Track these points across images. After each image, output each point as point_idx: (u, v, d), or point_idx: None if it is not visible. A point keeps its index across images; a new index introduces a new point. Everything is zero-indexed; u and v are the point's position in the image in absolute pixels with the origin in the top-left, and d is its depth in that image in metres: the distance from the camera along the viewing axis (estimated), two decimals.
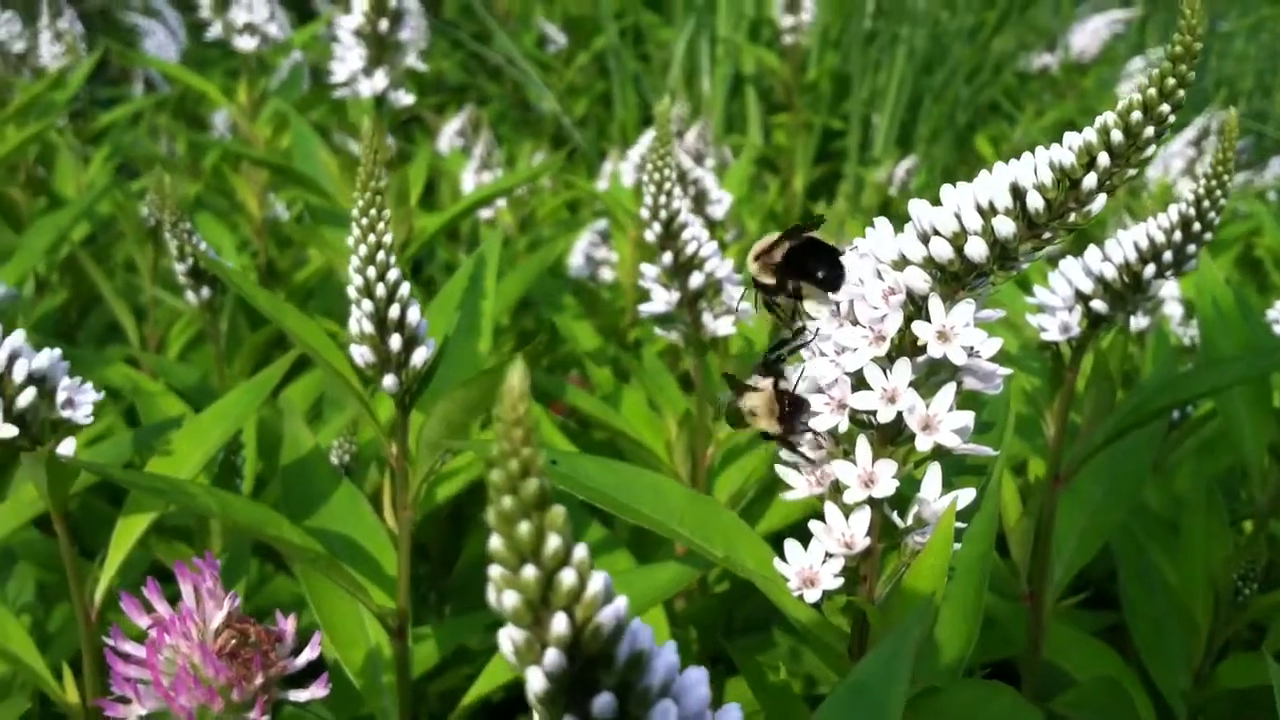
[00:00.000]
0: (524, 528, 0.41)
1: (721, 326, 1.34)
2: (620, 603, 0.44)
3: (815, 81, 3.54)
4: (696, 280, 1.30)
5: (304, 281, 2.28)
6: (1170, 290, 1.92)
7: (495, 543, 0.42)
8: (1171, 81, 0.71)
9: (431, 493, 1.39)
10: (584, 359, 1.90)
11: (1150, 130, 0.71)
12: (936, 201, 0.78)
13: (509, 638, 0.43)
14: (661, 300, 1.33)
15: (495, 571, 0.42)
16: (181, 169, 2.59)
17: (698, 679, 0.48)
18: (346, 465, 1.40)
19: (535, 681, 0.43)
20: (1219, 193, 1.08)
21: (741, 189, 2.58)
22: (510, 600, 0.42)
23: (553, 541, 0.41)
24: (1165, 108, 0.71)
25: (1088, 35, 3.79)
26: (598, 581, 0.43)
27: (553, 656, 0.42)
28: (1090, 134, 0.72)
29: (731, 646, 1.42)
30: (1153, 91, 0.71)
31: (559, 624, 0.42)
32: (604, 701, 0.43)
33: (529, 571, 0.42)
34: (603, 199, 2.29)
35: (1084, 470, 1.25)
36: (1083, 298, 1.14)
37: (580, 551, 0.42)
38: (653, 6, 4.36)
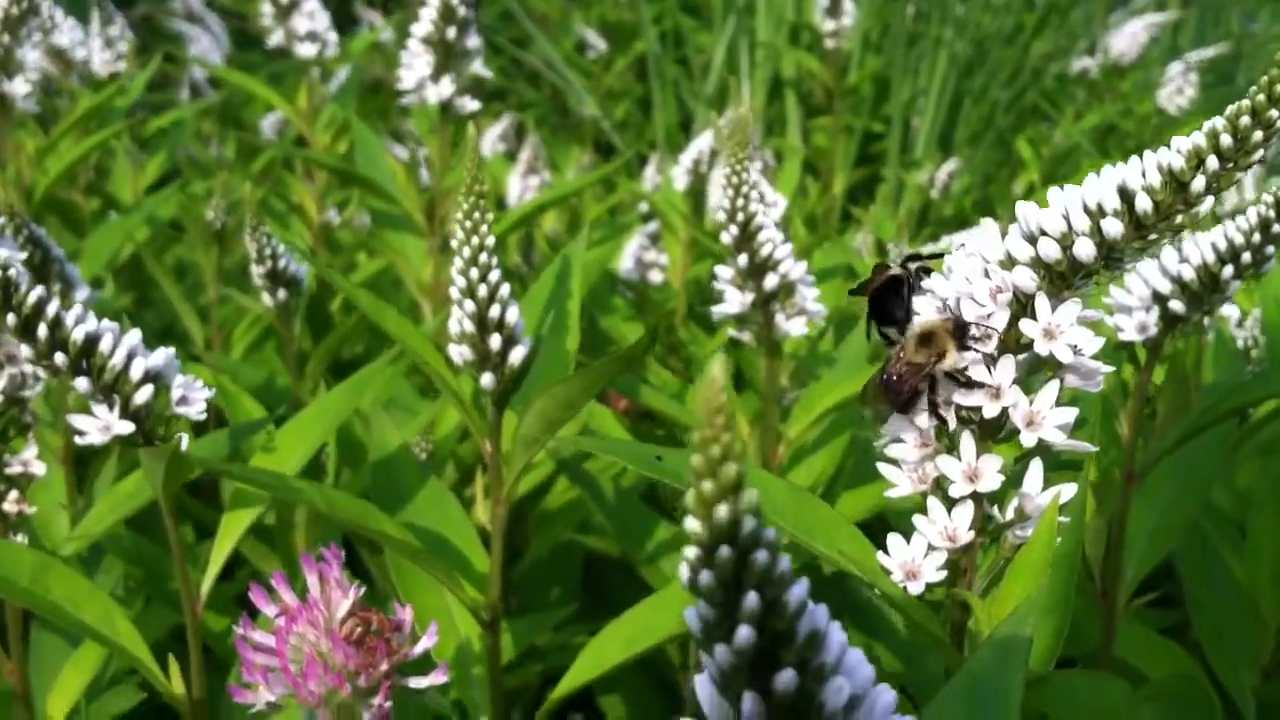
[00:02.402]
0: (722, 510, 0.43)
1: (794, 327, 1.36)
2: (802, 583, 0.46)
3: (856, 85, 3.56)
4: (771, 282, 1.33)
5: (359, 284, 2.31)
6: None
7: (693, 524, 0.44)
8: None
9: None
10: (647, 359, 1.93)
11: (1259, 134, 0.73)
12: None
13: (699, 616, 0.46)
14: (736, 302, 1.35)
15: (691, 552, 0.45)
16: (236, 171, 2.63)
17: (860, 659, 0.50)
18: (423, 465, 1.43)
19: (722, 657, 0.45)
20: None
21: (790, 191, 2.60)
22: (706, 579, 0.44)
23: (748, 524, 0.44)
24: (1274, 113, 0.73)
25: (1126, 38, 3.80)
26: (784, 563, 0.45)
27: (744, 633, 0.44)
28: (1199, 138, 0.74)
29: None
30: (1261, 97, 0.73)
31: (751, 601, 0.44)
32: (787, 677, 0.45)
33: (724, 552, 0.44)
34: (654, 202, 2.32)
35: (1156, 470, 1.27)
36: (1160, 298, 1.15)
37: (770, 534, 0.44)
38: (691, 11, 4.38)
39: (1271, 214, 1.09)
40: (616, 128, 3.86)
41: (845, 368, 1.50)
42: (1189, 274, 1.12)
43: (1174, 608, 1.54)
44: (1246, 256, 1.10)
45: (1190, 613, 1.38)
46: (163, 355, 0.97)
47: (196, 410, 0.98)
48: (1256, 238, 1.10)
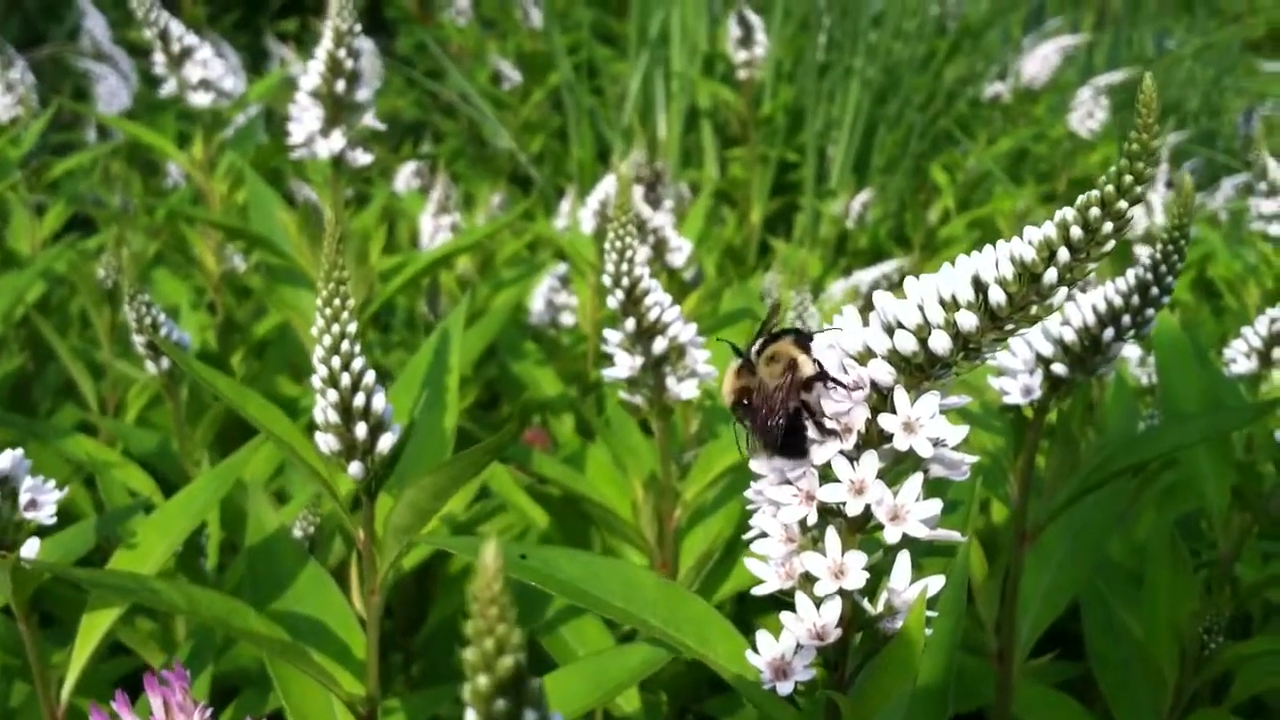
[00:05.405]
0: (500, 705, 0.41)
1: (685, 390, 1.33)
2: None
3: (770, 115, 3.56)
4: (659, 345, 1.30)
5: (263, 335, 2.26)
6: None
7: None
8: (1129, 179, 0.71)
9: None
10: (546, 410, 1.90)
11: (1109, 226, 0.71)
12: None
13: None
14: (625, 366, 1.32)
15: None
16: (137, 222, 2.57)
17: None
18: (311, 538, 1.39)
19: None
20: (1175, 257, 1.09)
21: (698, 229, 2.58)
22: None
23: (529, 718, 0.41)
24: (1123, 204, 0.71)
25: (1038, 62, 3.83)
26: None
27: None
28: (1050, 229, 0.73)
29: (703, 710, 1.42)
30: (1110, 188, 0.71)
31: None
32: None
33: None
34: (563, 246, 2.29)
35: (1049, 528, 1.26)
36: (1043, 361, 1.15)
37: None
38: (607, 41, 4.36)
39: (1149, 276, 1.09)
40: (534, 160, 3.83)
41: None
42: (1070, 336, 1.12)
43: (1082, 657, 1.53)
44: (1126, 319, 1.09)
45: (1093, 667, 1.37)
46: (10, 457, 0.93)
47: (46, 514, 0.94)
48: (1135, 300, 1.09)
